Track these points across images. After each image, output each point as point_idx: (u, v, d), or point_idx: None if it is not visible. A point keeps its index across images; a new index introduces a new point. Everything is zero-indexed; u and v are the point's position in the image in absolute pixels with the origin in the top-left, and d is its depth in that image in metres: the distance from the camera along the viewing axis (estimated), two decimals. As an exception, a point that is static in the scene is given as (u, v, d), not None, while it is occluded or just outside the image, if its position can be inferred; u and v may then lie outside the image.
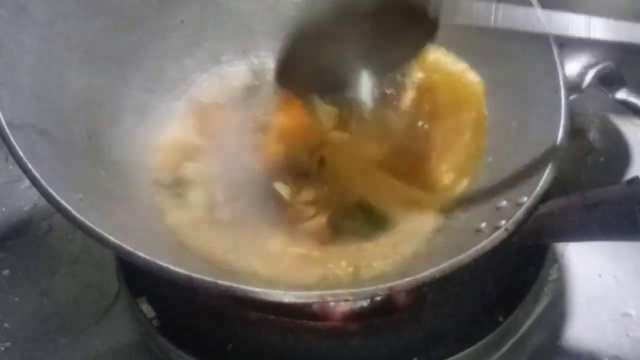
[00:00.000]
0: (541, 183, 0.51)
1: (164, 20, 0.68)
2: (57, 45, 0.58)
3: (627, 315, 0.63)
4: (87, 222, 0.44)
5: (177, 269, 0.43)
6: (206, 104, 0.69)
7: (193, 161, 0.64)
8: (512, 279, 0.64)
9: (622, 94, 0.71)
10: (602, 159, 0.75)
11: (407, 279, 0.45)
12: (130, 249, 0.44)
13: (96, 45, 0.62)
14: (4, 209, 0.73)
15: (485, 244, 0.47)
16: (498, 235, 0.48)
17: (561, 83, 0.57)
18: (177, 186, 0.62)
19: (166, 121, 0.67)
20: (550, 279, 0.66)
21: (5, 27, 0.52)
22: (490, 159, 0.62)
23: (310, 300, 0.45)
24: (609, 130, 0.78)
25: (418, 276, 0.45)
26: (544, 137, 0.56)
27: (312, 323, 0.61)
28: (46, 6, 0.56)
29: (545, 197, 0.51)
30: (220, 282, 0.43)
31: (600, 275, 0.66)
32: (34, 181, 0.45)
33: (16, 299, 0.66)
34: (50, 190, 0.45)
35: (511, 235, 0.49)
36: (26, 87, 0.53)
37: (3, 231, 0.71)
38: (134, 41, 0.67)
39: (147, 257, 0.43)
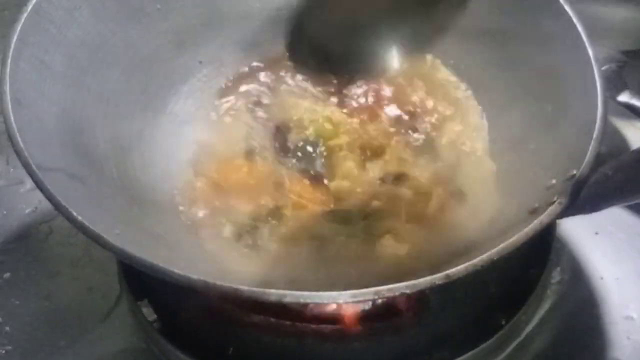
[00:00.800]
0: (589, 153, 0.49)
1: (181, 63, 0.67)
2: (79, 95, 0.56)
3: (629, 318, 0.61)
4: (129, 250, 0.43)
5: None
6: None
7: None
8: (515, 282, 0.62)
9: (624, 97, 0.70)
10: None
11: (465, 265, 0.42)
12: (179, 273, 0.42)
13: (117, 94, 0.61)
14: (4, 212, 0.70)
15: (542, 218, 0.45)
16: (554, 208, 0.46)
17: (590, 55, 0.55)
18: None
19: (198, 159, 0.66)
20: (552, 281, 0.63)
21: (26, 78, 0.51)
22: (531, 146, 0.60)
23: (368, 298, 0.43)
24: (612, 133, 0.78)
25: (476, 260, 0.42)
26: (581, 113, 0.54)
27: (314, 326, 0.59)
28: (63, 58, 0.55)
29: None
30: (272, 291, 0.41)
31: (602, 278, 0.64)
32: (69, 217, 0.44)
33: (17, 302, 0.63)
34: (90, 226, 0.43)
35: (567, 206, 0.47)
36: (54, 135, 0.51)
37: (4, 234, 0.68)
38: (154, 86, 0.65)
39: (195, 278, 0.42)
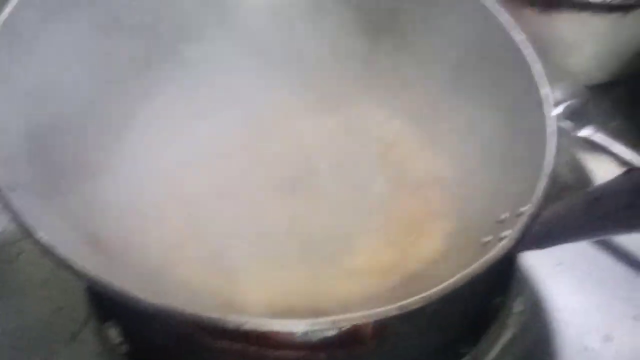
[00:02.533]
0: (539, 190, 0.50)
1: (149, 84, 0.67)
2: (47, 110, 0.55)
3: (588, 348, 0.61)
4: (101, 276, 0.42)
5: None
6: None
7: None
8: (477, 312, 0.62)
9: (586, 132, 0.72)
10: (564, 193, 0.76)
11: (417, 297, 0.42)
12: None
13: (86, 110, 0.59)
14: None
15: (495, 252, 0.45)
16: (504, 244, 0.46)
17: (544, 93, 0.56)
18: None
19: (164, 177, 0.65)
20: (514, 311, 0.63)
21: None
22: (484, 177, 0.61)
23: (324, 327, 0.43)
24: (577, 166, 0.78)
25: (430, 292, 0.43)
26: (534, 149, 0.54)
27: (278, 352, 0.58)
28: (33, 72, 0.55)
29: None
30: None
31: (562, 309, 0.64)
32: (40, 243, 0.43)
33: None
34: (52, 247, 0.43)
35: (518, 242, 0.47)
36: (20, 152, 0.51)
37: None
38: (122, 104, 0.64)
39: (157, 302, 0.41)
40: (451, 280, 0.43)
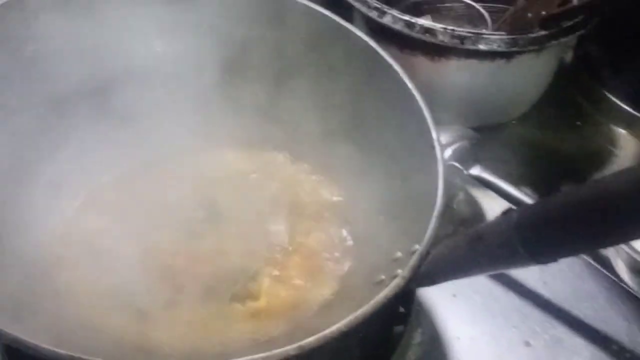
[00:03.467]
0: (429, 231, 0.50)
1: (59, 130, 0.66)
2: None
3: None
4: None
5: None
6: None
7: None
8: (378, 344, 0.63)
9: (476, 170, 0.74)
10: (461, 228, 0.77)
11: (316, 336, 0.43)
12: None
13: None
14: None
15: (387, 292, 0.46)
16: (397, 282, 0.47)
17: (434, 139, 0.57)
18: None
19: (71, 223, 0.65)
20: (413, 342, 0.64)
21: None
22: (381, 217, 0.62)
23: None
24: (470, 201, 0.81)
25: (326, 331, 0.43)
26: (425, 190, 0.55)
27: None
28: None
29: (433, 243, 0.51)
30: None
31: (459, 338, 0.66)
32: None
33: None
34: None
35: (408, 281, 0.48)
36: None
37: None
38: (32, 153, 0.64)
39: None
40: (345, 321, 0.44)
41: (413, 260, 0.49)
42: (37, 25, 0.62)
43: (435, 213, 0.52)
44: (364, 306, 0.45)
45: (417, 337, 0.66)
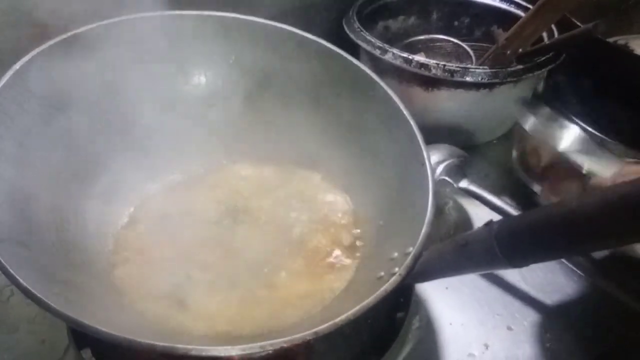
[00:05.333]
0: (421, 235, 0.50)
1: (113, 144, 0.65)
2: (26, 173, 0.55)
3: (471, 355, 0.62)
4: (66, 312, 0.42)
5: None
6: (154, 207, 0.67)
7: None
8: (383, 329, 0.63)
9: (464, 183, 0.74)
10: (452, 231, 0.78)
11: (328, 323, 0.43)
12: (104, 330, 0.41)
13: (58, 170, 0.59)
14: None
15: (386, 287, 0.46)
16: (394, 279, 0.47)
17: (425, 157, 0.57)
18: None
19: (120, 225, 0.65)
20: (413, 327, 0.64)
21: None
22: (381, 222, 0.61)
23: (255, 351, 0.42)
24: (460, 209, 0.80)
25: (337, 319, 0.43)
26: (418, 201, 0.55)
27: None
28: (15, 142, 0.54)
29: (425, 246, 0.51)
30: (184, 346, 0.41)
31: (451, 324, 0.65)
32: (16, 283, 0.42)
33: None
34: (32, 290, 0.42)
35: (404, 278, 0.48)
36: (5, 208, 0.50)
37: None
38: (88, 164, 0.63)
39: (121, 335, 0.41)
40: (352, 310, 0.44)
41: (408, 260, 0.49)
42: (96, 59, 0.63)
43: (426, 220, 0.52)
44: (367, 299, 0.45)
45: (416, 322, 0.65)
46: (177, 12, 0.66)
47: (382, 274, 0.51)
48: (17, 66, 0.56)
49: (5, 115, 0.54)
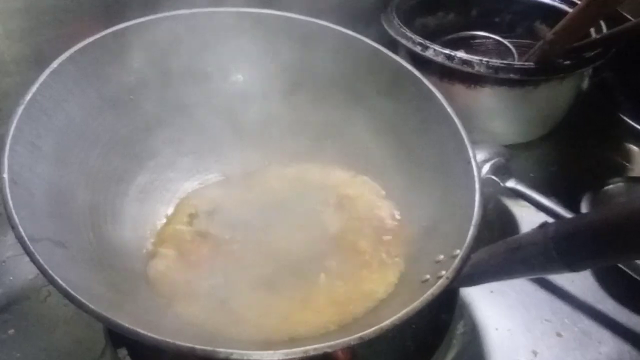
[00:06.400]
0: (469, 237, 0.49)
1: (149, 143, 0.65)
2: (64, 171, 0.54)
3: None
4: (106, 314, 0.41)
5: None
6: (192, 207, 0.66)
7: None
8: (428, 334, 0.61)
9: (510, 183, 0.71)
10: (496, 233, 0.73)
11: (373, 328, 0.41)
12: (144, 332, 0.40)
13: (96, 169, 0.59)
14: (11, 278, 0.67)
15: (433, 291, 0.44)
16: (441, 283, 0.45)
17: (471, 155, 0.55)
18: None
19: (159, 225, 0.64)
20: (457, 332, 0.62)
21: (21, 160, 0.49)
22: (424, 223, 0.59)
23: (297, 356, 0.41)
24: (503, 210, 0.78)
25: (382, 324, 0.42)
26: (463, 201, 0.53)
27: None
28: (52, 141, 0.53)
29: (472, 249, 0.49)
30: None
31: (497, 329, 0.63)
32: (54, 283, 0.42)
33: (18, 355, 0.60)
34: (69, 289, 0.42)
35: (451, 281, 0.46)
36: (43, 208, 0.49)
37: (10, 296, 0.65)
38: (126, 162, 0.62)
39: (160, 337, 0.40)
40: (398, 315, 0.42)
41: (456, 263, 0.47)
42: (134, 57, 0.62)
43: (474, 221, 0.50)
44: (413, 303, 0.44)
45: (460, 327, 0.63)
46: (213, 9, 0.65)
47: (428, 276, 0.49)
48: (54, 65, 0.55)
49: (43, 113, 0.54)
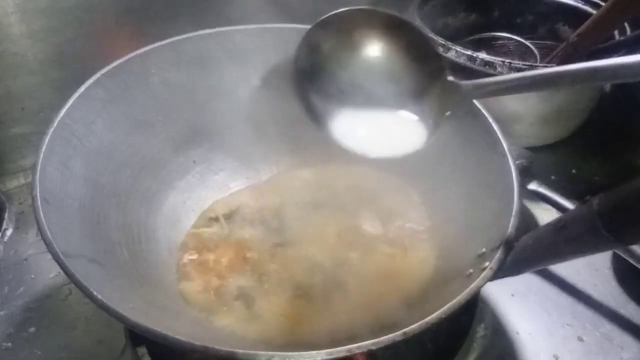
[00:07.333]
0: (510, 226, 0.48)
1: (179, 163, 0.66)
2: (95, 192, 0.55)
3: None
4: (142, 323, 0.41)
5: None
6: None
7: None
8: (447, 337, 0.60)
9: (532, 185, 0.70)
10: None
11: (418, 323, 0.41)
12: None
13: (127, 189, 0.60)
14: (33, 276, 0.68)
15: (478, 282, 0.44)
16: (486, 274, 0.45)
17: (505, 149, 0.55)
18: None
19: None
20: (477, 336, 0.61)
21: (54, 181, 0.51)
22: (462, 220, 0.59)
23: (341, 355, 0.40)
24: (525, 213, 0.76)
25: (427, 319, 0.41)
26: (502, 195, 0.52)
27: None
28: (83, 162, 0.55)
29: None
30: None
31: (517, 333, 0.62)
32: (91, 297, 0.42)
33: (39, 353, 0.60)
34: (108, 303, 0.42)
35: (496, 271, 0.45)
36: (76, 227, 0.50)
37: (32, 294, 0.66)
38: (157, 182, 0.64)
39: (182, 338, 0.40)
40: (443, 309, 0.42)
41: (499, 253, 0.47)
42: (160, 79, 0.64)
43: (514, 212, 0.50)
44: (458, 295, 0.43)
45: (481, 331, 0.63)
46: (236, 27, 0.67)
47: (471, 270, 0.48)
48: (82, 89, 0.57)
49: (72, 135, 0.55)
